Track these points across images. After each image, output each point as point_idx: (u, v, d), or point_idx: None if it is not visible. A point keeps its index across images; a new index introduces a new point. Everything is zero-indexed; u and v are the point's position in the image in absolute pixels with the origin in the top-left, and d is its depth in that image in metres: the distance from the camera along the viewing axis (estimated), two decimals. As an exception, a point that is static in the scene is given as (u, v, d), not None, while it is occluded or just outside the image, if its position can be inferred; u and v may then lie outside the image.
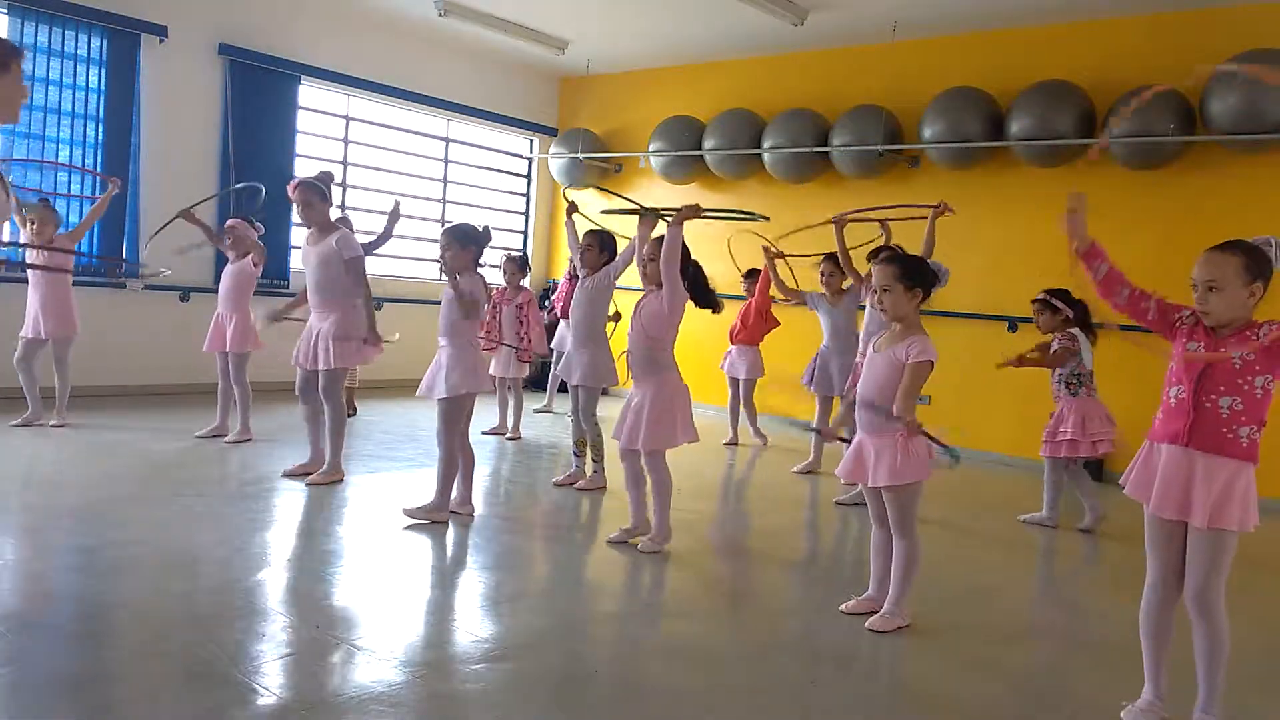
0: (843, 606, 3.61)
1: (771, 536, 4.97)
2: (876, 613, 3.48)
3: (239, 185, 6.69)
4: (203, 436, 6.00)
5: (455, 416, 4.45)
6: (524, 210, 10.67)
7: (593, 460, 5.43)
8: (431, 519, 4.42)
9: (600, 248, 5.26)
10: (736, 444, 7.29)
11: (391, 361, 8.34)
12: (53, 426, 5.92)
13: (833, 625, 3.50)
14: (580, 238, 5.45)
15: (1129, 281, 2.77)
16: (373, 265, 7.53)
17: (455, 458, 4.47)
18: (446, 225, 5.29)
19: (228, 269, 6.09)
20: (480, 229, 4.57)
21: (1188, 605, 2.66)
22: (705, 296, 4.31)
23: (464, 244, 4.46)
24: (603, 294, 5.26)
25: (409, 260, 9.49)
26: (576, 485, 5.41)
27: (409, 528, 4.36)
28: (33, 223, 5.76)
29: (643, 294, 4.28)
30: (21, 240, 5.86)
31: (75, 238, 6.21)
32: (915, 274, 3.39)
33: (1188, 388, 2.61)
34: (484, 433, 6.92)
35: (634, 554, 4.24)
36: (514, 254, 7.21)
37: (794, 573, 4.35)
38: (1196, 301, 2.64)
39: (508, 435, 7.01)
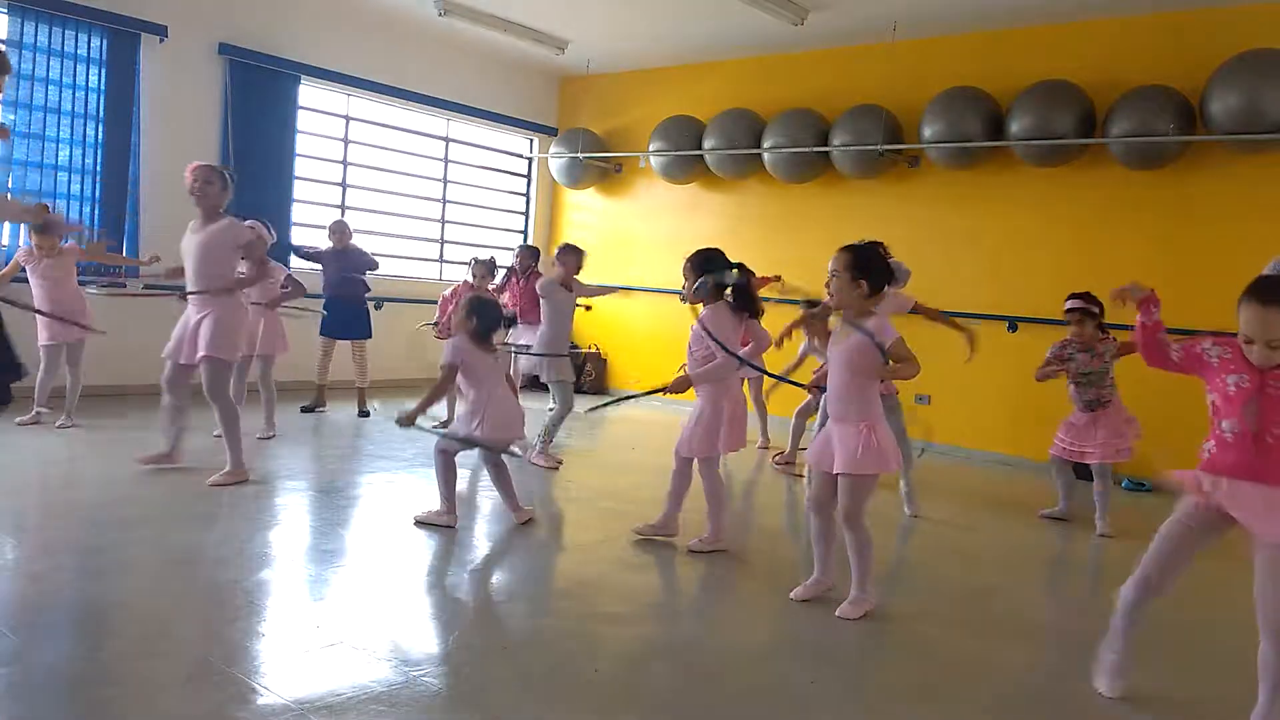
0: (793, 593, 3.70)
1: (771, 536, 4.98)
2: (826, 596, 3.64)
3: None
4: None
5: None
6: (524, 210, 10.68)
7: (550, 440, 5.98)
8: (442, 523, 4.42)
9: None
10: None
11: (397, 364, 8.38)
12: (59, 427, 5.91)
13: (832, 625, 3.50)
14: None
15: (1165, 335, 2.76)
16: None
17: (447, 463, 4.47)
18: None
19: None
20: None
21: (1262, 628, 2.59)
22: (750, 305, 4.31)
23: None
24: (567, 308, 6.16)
25: (409, 260, 9.50)
26: (535, 459, 5.91)
27: (410, 527, 4.36)
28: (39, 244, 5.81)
29: (685, 301, 4.32)
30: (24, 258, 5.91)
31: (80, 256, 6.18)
32: (863, 265, 3.42)
33: (1244, 423, 2.59)
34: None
35: (633, 554, 4.25)
36: (481, 257, 7.13)
37: (793, 571, 4.34)
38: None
39: None
